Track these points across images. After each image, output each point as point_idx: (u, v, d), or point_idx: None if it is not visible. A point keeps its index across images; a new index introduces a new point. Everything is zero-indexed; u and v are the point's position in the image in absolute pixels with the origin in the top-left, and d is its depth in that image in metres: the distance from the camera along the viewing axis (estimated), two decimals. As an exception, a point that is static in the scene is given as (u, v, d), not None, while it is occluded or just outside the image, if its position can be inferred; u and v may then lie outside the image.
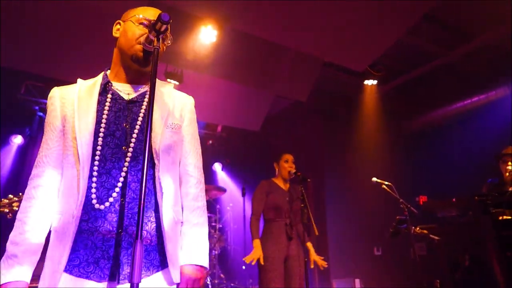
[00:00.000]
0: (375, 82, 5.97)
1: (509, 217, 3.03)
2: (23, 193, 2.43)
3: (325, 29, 4.39)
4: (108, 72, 1.38)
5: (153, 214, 1.23)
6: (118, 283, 1.13)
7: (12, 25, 3.87)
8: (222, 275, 5.33)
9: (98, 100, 1.28)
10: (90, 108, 1.26)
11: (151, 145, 1.23)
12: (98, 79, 1.35)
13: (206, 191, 5.31)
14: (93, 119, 1.24)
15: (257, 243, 3.24)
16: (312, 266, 3.40)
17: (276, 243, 3.28)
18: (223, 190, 5.59)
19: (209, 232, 5.31)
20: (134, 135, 1.25)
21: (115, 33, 1.38)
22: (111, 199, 1.17)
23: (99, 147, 1.21)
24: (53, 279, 1.11)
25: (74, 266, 1.14)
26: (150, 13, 1.33)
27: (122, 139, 1.24)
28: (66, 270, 1.13)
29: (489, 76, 5.66)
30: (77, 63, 4.42)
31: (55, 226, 1.19)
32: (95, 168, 1.19)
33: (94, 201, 1.16)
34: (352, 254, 5.89)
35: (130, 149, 1.22)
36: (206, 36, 4.38)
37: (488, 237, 2.92)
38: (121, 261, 1.14)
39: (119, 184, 1.19)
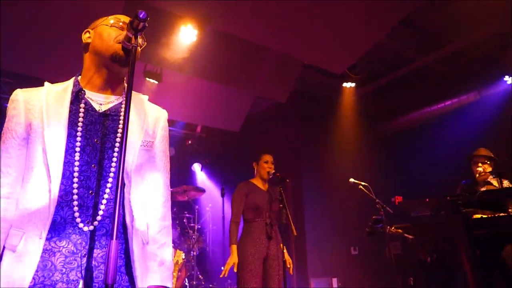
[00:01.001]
0: (353, 84, 6.08)
1: (479, 217, 3.16)
2: None
3: (305, 31, 4.44)
4: (79, 78, 1.30)
5: (120, 236, 1.18)
6: None
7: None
8: (200, 276, 5.29)
9: (70, 109, 1.19)
10: (61, 119, 1.16)
11: (126, 165, 1.16)
12: (69, 85, 1.25)
13: (185, 191, 5.27)
14: (65, 132, 1.15)
15: (233, 248, 3.26)
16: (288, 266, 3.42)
17: (255, 243, 3.29)
18: (202, 191, 5.55)
19: (187, 233, 5.27)
20: (104, 152, 1.19)
21: (86, 40, 1.30)
22: (78, 220, 1.11)
23: (69, 164, 1.14)
24: None
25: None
26: (122, 18, 1.30)
27: (92, 155, 1.17)
28: None
29: (461, 80, 5.87)
30: (49, 62, 4.30)
31: (14, 243, 1.07)
32: (62, 186, 1.12)
33: (60, 221, 1.10)
34: (330, 253, 5.98)
35: (99, 168, 1.17)
36: (186, 35, 4.35)
37: (459, 236, 3.03)
38: (86, 285, 1.08)
39: (89, 206, 1.14)
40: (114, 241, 0.90)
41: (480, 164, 3.86)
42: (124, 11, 3.52)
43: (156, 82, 5.05)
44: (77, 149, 1.15)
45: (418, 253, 3.69)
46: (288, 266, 3.39)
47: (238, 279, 3.24)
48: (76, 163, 1.14)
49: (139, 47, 1.28)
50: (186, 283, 4.91)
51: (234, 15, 4.15)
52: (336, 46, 4.76)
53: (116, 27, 1.27)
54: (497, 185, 3.68)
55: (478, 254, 3.15)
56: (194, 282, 5.07)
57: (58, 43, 4.11)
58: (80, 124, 1.18)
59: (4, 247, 1.10)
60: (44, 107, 1.17)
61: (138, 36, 1.14)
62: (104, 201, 1.15)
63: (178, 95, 5.46)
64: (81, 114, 1.20)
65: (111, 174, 1.18)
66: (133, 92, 1.32)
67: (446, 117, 6.05)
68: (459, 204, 3.15)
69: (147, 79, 5.00)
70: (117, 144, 1.21)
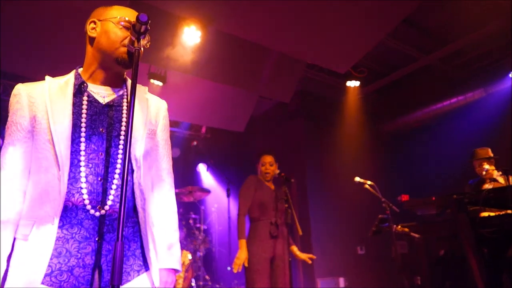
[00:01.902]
0: (357, 83, 6.06)
1: (486, 215, 3.14)
2: None
3: (308, 31, 4.43)
4: (80, 70, 1.32)
5: (132, 220, 1.23)
6: None
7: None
8: (207, 277, 5.31)
9: (73, 101, 1.22)
10: (65, 110, 1.19)
11: (131, 151, 1.19)
12: (70, 78, 1.27)
13: (191, 192, 5.29)
14: (70, 122, 1.18)
15: (242, 243, 3.23)
16: (301, 257, 3.47)
17: (262, 242, 3.28)
18: (208, 191, 5.57)
19: (194, 234, 5.28)
20: (111, 141, 1.22)
21: (91, 32, 1.29)
22: (88, 206, 1.14)
23: (76, 153, 1.17)
24: None
25: (45, 276, 1.07)
26: (128, 13, 1.28)
27: (99, 144, 1.20)
28: None
29: (467, 78, 5.84)
30: (53, 63, 4.33)
31: (25, 232, 1.11)
32: (71, 174, 1.15)
33: (71, 207, 1.13)
34: (336, 253, 5.96)
35: (107, 155, 1.20)
36: (189, 37, 4.37)
37: (465, 234, 3.01)
38: (100, 269, 1.11)
39: (99, 191, 1.17)
40: (119, 243, 0.92)
41: (484, 163, 3.85)
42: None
43: (161, 84, 5.08)
44: (82, 139, 1.18)
45: (429, 253, 3.68)
46: (308, 258, 3.45)
47: (246, 279, 3.24)
48: (82, 152, 1.17)
49: (141, 48, 1.31)
50: (193, 284, 4.92)
51: (237, 16, 4.16)
52: (339, 45, 4.74)
53: (122, 25, 1.26)
54: (503, 182, 3.66)
55: (485, 253, 3.13)
56: (201, 283, 5.09)
57: (61, 44, 4.15)
58: (84, 115, 1.21)
59: (14, 239, 1.13)
60: (48, 99, 1.19)
61: (141, 38, 1.16)
62: (113, 187, 1.19)
63: (182, 96, 5.48)
64: (84, 106, 1.22)
65: (119, 161, 1.22)
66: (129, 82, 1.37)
67: (452, 115, 6.01)
68: (466, 202, 3.13)
69: (152, 80, 5.02)
70: (122, 133, 1.24)
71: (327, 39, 4.61)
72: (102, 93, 1.28)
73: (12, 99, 1.23)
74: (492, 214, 3.12)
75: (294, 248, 3.48)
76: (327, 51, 4.88)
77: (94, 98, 1.26)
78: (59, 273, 1.08)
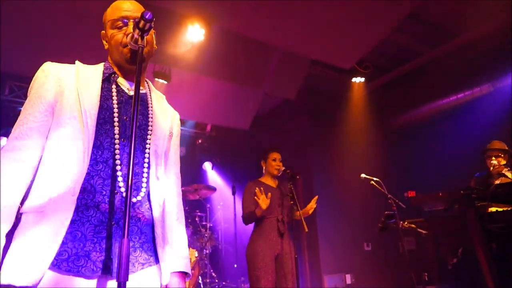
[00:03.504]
0: (362, 79, 6.03)
1: (494, 210, 3.11)
2: None
3: (312, 27, 4.41)
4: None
5: (147, 213, 1.23)
6: (112, 276, 1.08)
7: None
8: (213, 274, 5.33)
9: (102, 86, 1.25)
10: (94, 92, 1.21)
11: (155, 148, 1.28)
12: (99, 67, 1.32)
13: (196, 190, 5.30)
14: (97, 103, 1.18)
15: (258, 210, 3.19)
16: (310, 212, 3.47)
17: (267, 240, 3.28)
18: (213, 189, 5.58)
19: (200, 231, 5.30)
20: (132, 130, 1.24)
21: (106, 46, 1.38)
22: (104, 190, 1.13)
23: (99, 134, 1.17)
24: (34, 275, 0.98)
25: (62, 261, 1.04)
26: (118, 10, 1.30)
27: (122, 130, 1.21)
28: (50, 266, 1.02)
29: (474, 73, 5.76)
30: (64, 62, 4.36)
31: (38, 207, 1.04)
32: (93, 156, 1.14)
33: (90, 189, 1.12)
34: (343, 250, 5.95)
35: (129, 143, 1.20)
36: (193, 34, 4.37)
37: (473, 229, 2.98)
38: (114, 255, 1.09)
39: (120, 174, 1.16)
40: (125, 239, 0.92)
41: (493, 158, 3.79)
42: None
43: (165, 82, 5.09)
44: (116, 124, 1.20)
45: (437, 249, 3.65)
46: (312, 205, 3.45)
47: (250, 278, 3.23)
48: (116, 136, 1.19)
49: (145, 45, 1.33)
50: (200, 281, 4.95)
51: (241, 13, 4.15)
52: (344, 41, 4.72)
53: (116, 27, 1.30)
54: (511, 177, 3.62)
55: (494, 248, 3.10)
56: (208, 280, 5.11)
57: (70, 47, 4.18)
58: (113, 100, 1.24)
59: (21, 214, 1.08)
60: (77, 79, 1.21)
61: (145, 36, 1.16)
62: (135, 175, 1.21)
63: (187, 94, 5.49)
64: (114, 93, 1.26)
65: (138, 151, 1.24)
66: (156, 90, 1.47)
67: (458, 110, 5.95)
68: (473, 197, 3.10)
69: (156, 79, 5.03)
70: (149, 124, 1.30)
71: (332, 35, 4.58)
72: (127, 86, 1.33)
73: (39, 73, 1.23)
74: (500, 209, 3.09)
75: (298, 213, 3.33)
76: (332, 47, 4.85)
77: (121, 88, 1.31)
78: (76, 258, 1.06)
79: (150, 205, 1.24)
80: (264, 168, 3.64)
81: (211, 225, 5.68)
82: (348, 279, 5.84)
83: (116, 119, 1.20)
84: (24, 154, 1.11)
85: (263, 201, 3.12)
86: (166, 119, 1.38)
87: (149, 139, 1.27)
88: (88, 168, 1.12)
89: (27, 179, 1.11)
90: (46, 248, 1.01)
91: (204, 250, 5.15)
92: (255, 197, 3.16)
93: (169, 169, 1.38)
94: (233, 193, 5.59)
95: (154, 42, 1.39)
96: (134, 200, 1.19)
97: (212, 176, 7.58)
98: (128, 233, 0.93)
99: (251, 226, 3.45)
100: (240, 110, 6.26)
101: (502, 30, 4.87)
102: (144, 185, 1.22)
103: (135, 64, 1.27)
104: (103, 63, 1.36)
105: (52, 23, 3.97)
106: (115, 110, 1.22)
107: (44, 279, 1.00)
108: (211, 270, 5.31)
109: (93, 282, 1.07)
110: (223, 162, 7.34)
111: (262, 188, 3.20)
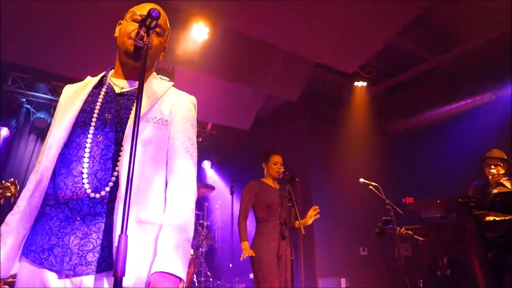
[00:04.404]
0: (365, 84, 6.03)
1: (492, 219, 3.11)
2: (15, 179, 2.46)
3: (316, 31, 4.42)
4: (112, 70, 1.41)
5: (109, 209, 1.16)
6: (65, 273, 1.07)
7: (3, 16, 3.81)
8: (208, 273, 5.33)
9: (91, 92, 1.32)
10: (78, 98, 1.29)
11: (124, 137, 1.18)
12: (100, 75, 1.39)
13: (195, 188, 5.30)
14: (77, 108, 1.26)
15: (245, 245, 3.24)
16: (309, 222, 3.45)
17: (270, 242, 3.27)
18: (212, 188, 5.59)
19: (197, 230, 5.30)
20: (113, 126, 1.24)
21: (116, 34, 1.40)
22: (74, 187, 1.14)
23: (77, 135, 1.22)
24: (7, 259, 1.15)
25: (31, 251, 1.14)
26: (145, 9, 1.30)
27: (100, 128, 1.23)
28: (24, 254, 1.15)
29: (476, 81, 5.77)
30: (66, 57, 4.37)
31: (20, 200, 1.22)
32: (69, 156, 1.20)
33: (59, 186, 1.16)
34: (338, 253, 5.95)
35: (105, 139, 1.22)
36: (198, 33, 4.37)
37: (470, 238, 2.99)
38: (71, 251, 1.08)
39: (85, 172, 1.16)
40: (123, 235, 0.91)
41: (493, 166, 3.79)
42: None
43: (168, 80, 5.09)
44: (92, 123, 1.23)
45: (433, 256, 3.65)
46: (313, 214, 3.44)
47: (257, 280, 3.22)
48: (89, 135, 1.21)
49: (163, 41, 1.40)
50: (194, 279, 4.95)
51: (246, 13, 4.16)
52: (347, 45, 4.72)
53: (135, 21, 1.31)
54: (510, 186, 3.62)
55: (489, 257, 3.10)
56: (202, 279, 5.11)
57: (73, 39, 4.18)
58: (98, 103, 1.28)
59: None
60: (73, 92, 1.35)
61: (151, 33, 1.16)
62: (105, 170, 1.17)
63: (189, 92, 5.46)
64: (101, 95, 1.30)
65: (114, 146, 1.21)
66: (160, 78, 1.46)
67: (459, 118, 5.95)
68: (471, 206, 3.11)
69: (159, 76, 5.04)
70: (124, 119, 1.24)
71: (336, 39, 4.59)
72: (122, 85, 1.34)
73: (60, 98, 1.41)
74: (497, 218, 3.09)
75: (298, 223, 3.38)
76: (335, 50, 4.86)
77: (112, 89, 1.33)
78: (42, 251, 1.12)
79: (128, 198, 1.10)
80: (265, 170, 3.66)
81: (208, 224, 5.68)
82: (343, 283, 5.84)
83: (94, 119, 1.24)
84: (40, 167, 1.21)
85: (247, 253, 3.19)
86: (146, 106, 1.26)
87: (126, 133, 1.20)
88: (57, 165, 1.19)
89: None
90: (16, 235, 1.14)
91: (200, 249, 5.15)
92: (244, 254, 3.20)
93: (169, 161, 1.27)
94: (232, 193, 5.58)
95: (164, 44, 1.42)
96: (97, 196, 1.13)
97: (211, 175, 7.58)
98: (126, 228, 0.93)
99: (251, 227, 3.44)
100: (241, 110, 6.26)
101: (506, 39, 4.88)
102: (110, 183, 1.15)
103: (135, 60, 1.30)
104: (109, 69, 1.42)
105: (57, 15, 3.97)
106: (96, 111, 1.26)
107: (16, 265, 1.15)
108: (206, 269, 5.31)
109: (53, 276, 1.09)
110: (223, 161, 7.34)
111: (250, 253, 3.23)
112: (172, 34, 4.34)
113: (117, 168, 1.17)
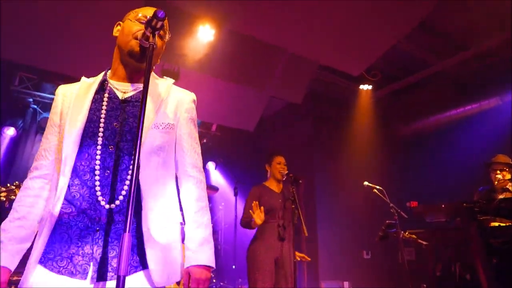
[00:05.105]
0: (370, 87, 6.02)
1: (497, 225, 3.08)
2: (20, 182, 2.48)
3: (321, 33, 4.42)
4: (109, 72, 1.37)
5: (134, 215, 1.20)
6: (88, 279, 1.11)
7: (8, 16, 3.85)
8: (212, 274, 5.33)
9: (94, 98, 1.28)
10: (83, 106, 1.25)
11: (145, 148, 1.22)
12: (98, 78, 1.35)
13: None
14: (84, 117, 1.23)
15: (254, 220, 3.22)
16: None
17: (268, 244, 3.29)
18: (216, 189, 5.59)
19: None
20: (122, 135, 1.23)
21: (115, 33, 1.38)
22: (91, 198, 1.16)
23: (88, 146, 1.20)
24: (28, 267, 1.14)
25: (48, 259, 1.13)
26: (149, 12, 1.31)
27: (110, 138, 1.22)
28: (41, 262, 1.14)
29: (483, 85, 5.73)
30: (71, 57, 4.40)
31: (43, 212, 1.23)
32: (81, 167, 1.19)
33: (77, 197, 1.17)
34: (342, 256, 5.93)
35: (117, 149, 1.22)
36: (203, 35, 4.39)
37: (475, 243, 2.96)
38: (93, 260, 1.12)
39: (98, 184, 1.18)
40: (127, 234, 0.92)
41: (498, 172, 3.76)
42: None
43: (173, 81, 5.11)
44: (100, 133, 1.21)
45: (437, 261, 3.62)
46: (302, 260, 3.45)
47: (249, 280, 3.24)
48: (99, 147, 1.20)
49: (164, 42, 1.38)
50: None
51: (251, 15, 4.17)
52: (353, 48, 4.72)
53: (140, 21, 1.30)
54: (515, 192, 3.59)
55: (494, 263, 3.07)
56: (205, 280, 5.11)
57: (77, 40, 4.21)
58: (103, 111, 1.25)
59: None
60: (74, 96, 1.30)
61: (162, 31, 1.17)
62: (118, 180, 1.19)
63: (194, 93, 5.50)
64: (104, 102, 1.27)
65: (127, 155, 1.22)
66: (159, 77, 1.42)
67: (466, 122, 5.91)
68: (476, 211, 3.08)
69: (164, 77, 5.06)
70: (133, 128, 1.26)
71: (341, 41, 4.59)
72: (124, 89, 1.32)
73: (54, 98, 1.37)
74: (503, 224, 3.06)
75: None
76: (341, 53, 4.85)
77: (115, 94, 1.30)
78: (60, 259, 1.12)
79: (139, 209, 1.20)
80: (269, 172, 3.65)
81: (212, 225, 5.68)
82: (346, 286, 5.81)
83: (101, 129, 1.22)
84: (39, 172, 1.27)
85: (258, 216, 3.16)
86: (153, 112, 1.28)
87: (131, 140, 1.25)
88: (72, 179, 1.19)
89: (40, 192, 1.26)
90: (36, 245, 1.14)
91: (203, 250, 5.15)
92: (251, 211, 3.18)
93: (180, 164, 1.34)
94: (235, 194, 5.59)
95: (163, 46, 1.40)
96: (113, 206, 1.17)
97: (215, 176, 7.59)
98: (130, 228, 0.93)
99: (252, 231, 3.45)
100: (245, 112, 6.27)
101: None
102: (123, 192, 1.19)
103: (139, 60, 1.28)
104: (104, 71, 1.37)
105: (64, 15, 4.00)
106: (102, 119, 1.24)
107: (34, 272, 1.12)
108: (209, 270, 5.31)
109: (73, 283, 1.10)
110: (226, 163, 7.35)
111: (257, 202, 3.23)
112: (178, 35, 4.38)
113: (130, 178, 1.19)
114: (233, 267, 5.97)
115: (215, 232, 6.17)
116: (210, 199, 6.27)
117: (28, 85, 5.55)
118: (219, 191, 5.76)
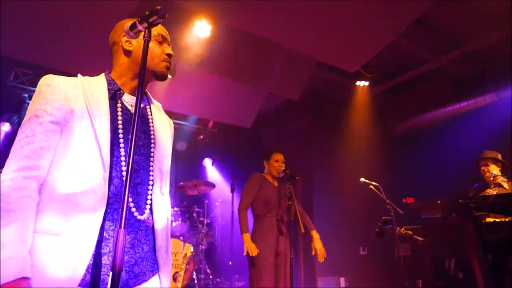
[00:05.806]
0: (367, 83, 6.01)
1: (492, 220, 3.10)
2: None
3: (319, 29, 4.41)
4: (116, 80, 1.34)
5: (145, 224, 1.26)
6: None
7: (3, 11, 3.81)
8: (208, 270, 5.34)
9: (109, 104, 1.24)
10: (105, 113, 1.20)
11: (160, 165, 1.31)
12: (102, 82, 1.28)
13: (195, 185, 5.30)
14: (108, 124, 1.19)
15: (246, 237, 3.23)
16: (313, 253, 3.48)
17: (266, 238, 3.29)
18: (212, 186, 5.58)
19: (197, 227, 5.31)
20: (137, 149, 1.26)
21: (126, 46, 1.33)
22: (133, 209, 1.22)
23: (114, 156, 1.21)
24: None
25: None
26: (161, 29, 1.37)
27: (126, 151, 1.22)
28: None
29: (479, 82, 5.75)
30: (66, 52, 4.37)
31: (56, 229, 1.06)
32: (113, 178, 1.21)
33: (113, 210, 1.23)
34: (338, 253, 5.95)
35: (134, 164, 1.25)
36: (200, 30, 4.36)
37: (470, 239, 2.98)
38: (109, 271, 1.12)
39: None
40: (122, 230, 0.92)
41: (483, 167, 3.84)
42: (138, 9, 3.55)
43: (170, 77, 5.09)
44: (121, 144, 1.21)
45: (433, 257, 3.65)
46: (320, 254, 3.49)
47: (251, 276, 3.24)
48: (122, 158, 1.20)
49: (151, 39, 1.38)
50: (194, 276, 4.96)
51: (249, 10, 4.15)
52: (350, 44, 4.71)
53: (157, 41, 1.34)
54: (508, 188, 3.61)
55: (489, 259, 3.10)
56: (202, 276, 5.12)
57: (73, 35, 4.18)
58: (120, 120, 1.24)
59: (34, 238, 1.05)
60: (85, 98, 1.19)
61: (151, 29, 1.17)
62: (145, 195, 1.26)
63: (191, 90, 5.49)
64: (119, 111, 1.25)
65: (141, 170, 1.27)
66: (150, 96, 1.44)
67: (461, 119, 5.94)
68: (472, 207, 3.10)
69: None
70: (151, 142, 1.32)
71: (338, 37, 4.58)
72: (131, 102, 1.33)
73: (45, 88, 1.17)
74: (498, 220, 3.08)
75: (314, 232, 3.54)
76: (338, 49, 4.84)
77: (125, 105, 1.30)
78: None
79: (153, 218, 1.28)
80: (266, 168, 3.66)
81: (208, 221, 5.68)
82: (342, 282, 5.84)
83: (121, 139, 1.21)
84: (37, 173, 1.10)
85: (253, 250, 3.18)
86: (167, 134, 1.40)
87: (153, 157, 1.30)
88: (110, 190, 1.16)
89: (37, 196, 1.10)
90: (72, 272, 1.09)
91: (200, 246, 5.16)
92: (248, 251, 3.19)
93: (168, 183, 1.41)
94: (232, 191, 5.58)
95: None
96: (139, 217, 1.22)
97: (212, 172, 7.59)
98: (125, 224, 0.93)
99: (250, 225, 3.45)
100: (242, 108, 6.26)
101: (509, 40, 4.86)
102: (148, 206, 1.25)
103: (163, 79, 1.38)
104: (103, 74, 1.33)
105: (59, 11, 3.97)
106: (120, 131, 1.22)
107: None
108: (206, 266, 5.32)
109: None
110: (223, 159, 7.34)
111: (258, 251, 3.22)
112: (174, 31, 4.34)
113: (150, 196, 1.27)
114: (230, 263, 5.98)
115: (211, 228, 6.17)
116: (206, 196, 6.28)
117: (24, 81, 5.50)
118: (215, 188, 5.76)
